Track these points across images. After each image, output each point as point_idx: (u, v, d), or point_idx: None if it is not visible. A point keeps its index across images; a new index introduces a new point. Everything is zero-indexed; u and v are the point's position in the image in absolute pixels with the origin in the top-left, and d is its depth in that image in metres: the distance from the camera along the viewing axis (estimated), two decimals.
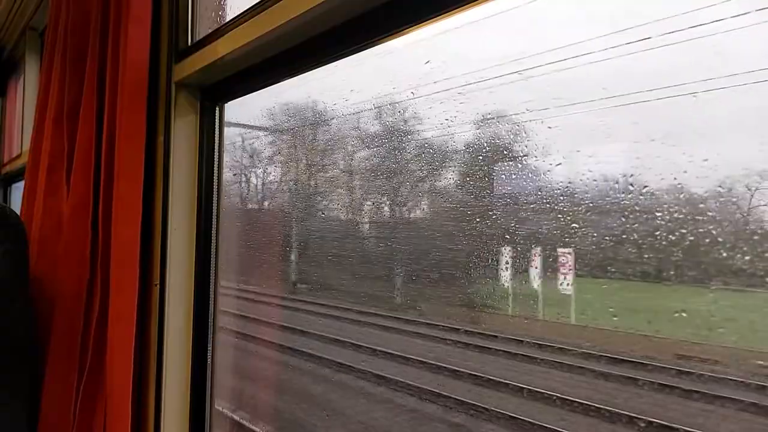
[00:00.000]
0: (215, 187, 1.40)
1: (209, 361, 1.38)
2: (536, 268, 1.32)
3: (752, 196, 0.81)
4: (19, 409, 1.38)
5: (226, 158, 1.40)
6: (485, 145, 1.25)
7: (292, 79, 1.16)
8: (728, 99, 0.79)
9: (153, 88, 1.36)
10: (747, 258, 0.74)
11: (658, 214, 0.82)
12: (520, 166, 1.14)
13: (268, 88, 1.18)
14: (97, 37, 1.46)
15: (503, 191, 1.23)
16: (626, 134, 0.95)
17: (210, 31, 1.28)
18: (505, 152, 1.18)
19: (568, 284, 1.39)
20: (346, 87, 1.42)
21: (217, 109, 1.39)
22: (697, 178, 0.75)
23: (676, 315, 0.92)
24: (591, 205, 0.96)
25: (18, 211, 1.65)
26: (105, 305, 1.32)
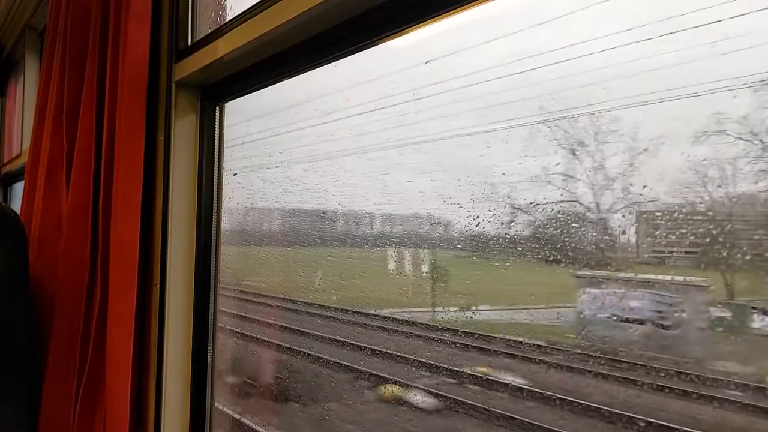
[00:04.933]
0: (215, 187, 1.40)
1: (209, 361, 1.38)
2: None
3: None
4: (19, 408, 1.38)
5: None
6: None
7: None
8: None
9: (153, 88, 1.36)
10: None
11: None
12: None
13: None
14: (97, 36, 1.46)
15: None
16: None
17: (210, 30, 1.28)
18: None
19: None
20: (346, 87, 1.42)
21: (217, 108, 1.39)
22: None
23: None
24: None
25: (18, 211, 1.65)
26: (105, 305, 1.32)
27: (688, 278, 0.84)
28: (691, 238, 0.81)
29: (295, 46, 1.06)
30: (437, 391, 1.59)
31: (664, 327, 1.01)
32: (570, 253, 0.97)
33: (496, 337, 1.34)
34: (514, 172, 1.02)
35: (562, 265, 0.99)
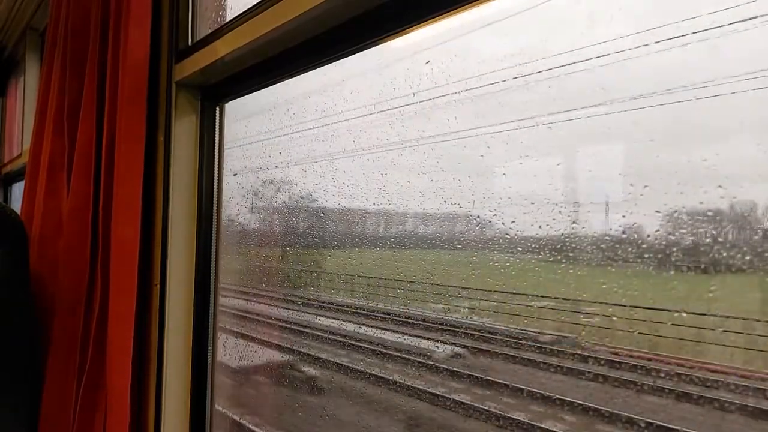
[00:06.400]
0: (215, 186, 1.40)
1: (209, 361, 1.38)
2: None
3: None
4: (19, 408, 1.38)
5: None
6: None
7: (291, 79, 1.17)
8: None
9: (153, 88, 1.37)
10: None
11: None
12: None
13: None
14: (97, 37, 1.46)
15: None
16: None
17: (210, 31, 1.28)
18: None
19: None
20: (345, 87, 1.42)
21: (217, 109, 1.39)
22: None
23: None
24: None
25: (18, 211, 1.65)
26: (105, 305, 1.32)
27: None
28: None
29: (295, 47, 1.06)
30: None
31: None
32: None
33: None
34: None
35: None
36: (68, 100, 1.57)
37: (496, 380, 1.53)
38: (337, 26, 0.96)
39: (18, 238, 1.43)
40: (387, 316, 1.77)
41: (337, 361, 1.95)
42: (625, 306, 0.95)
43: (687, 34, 0.84)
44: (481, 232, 1.17)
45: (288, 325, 2.09)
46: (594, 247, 0.95)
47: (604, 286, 0.95)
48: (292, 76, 1.15)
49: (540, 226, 1.01)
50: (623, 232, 0.90)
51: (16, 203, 2.44)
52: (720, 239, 0.77)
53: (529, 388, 1.41)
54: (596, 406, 1.15)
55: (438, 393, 1.72)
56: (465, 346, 1.61)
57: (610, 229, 0.93)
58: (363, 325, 1.88)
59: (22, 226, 1.46)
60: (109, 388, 1.27)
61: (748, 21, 0.73)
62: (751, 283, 0.80)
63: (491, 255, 1.13)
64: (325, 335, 2.06)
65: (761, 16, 0.72)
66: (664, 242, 0.84)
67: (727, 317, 0.89)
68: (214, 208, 1.41)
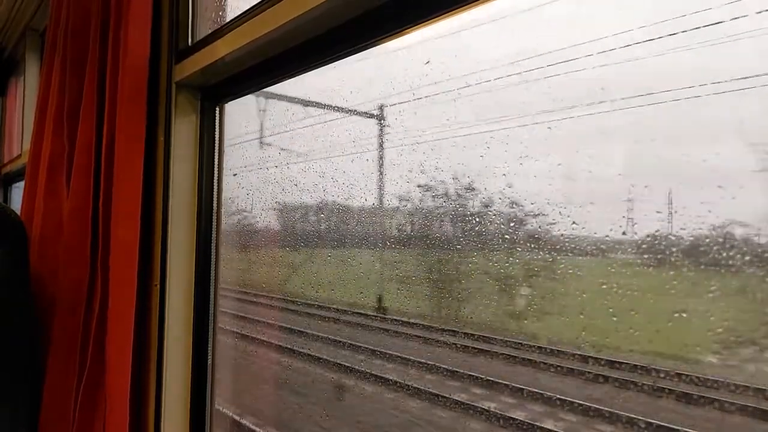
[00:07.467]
0: (215, 187, 1.40)
1: (209, 361, 1.39)
2: None
3: None
4: (19, 408, 1.38)
5: None
6: None
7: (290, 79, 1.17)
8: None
9: (153, 89, 1.37)
10: None
11: None
12: None
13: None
14: (97, 37, 1.46)
15: None
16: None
17: (210, 31, 1.28)
18: None
19: None
20: (345, 87, 1.42)
21: (217, 109, 1.39)
22: None
23: None
24: None
25: (18, 211, 1.65)
26: (105, 305, 1.32)
27: None
28: None
29: (294, 47, 1.06)
30: None
31: None
32: None
33: None
34: None
35: None
36: (68, 100, 1.57)
37: None
38: (337, 27, 0.96)
39: (18, 238, 1.43)
40: None
41: None
42: None
43: (686, 31, 0.84)
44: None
45: None
46: None
47: None
48: (292, 76, 1.15)
49: None
50: None
51: (16, 203, 2.44)
52: None
53: None
54: None
55: None
56: None
57: None
58: None
59: (22, 226, 1.46)
60: (109, 388, 1.27)
61: (748, 20, 0.73)
62: None
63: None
64: None
65: (762, 12, 0.72)
66: None
67: None
68: (214, 208, 1.41)
